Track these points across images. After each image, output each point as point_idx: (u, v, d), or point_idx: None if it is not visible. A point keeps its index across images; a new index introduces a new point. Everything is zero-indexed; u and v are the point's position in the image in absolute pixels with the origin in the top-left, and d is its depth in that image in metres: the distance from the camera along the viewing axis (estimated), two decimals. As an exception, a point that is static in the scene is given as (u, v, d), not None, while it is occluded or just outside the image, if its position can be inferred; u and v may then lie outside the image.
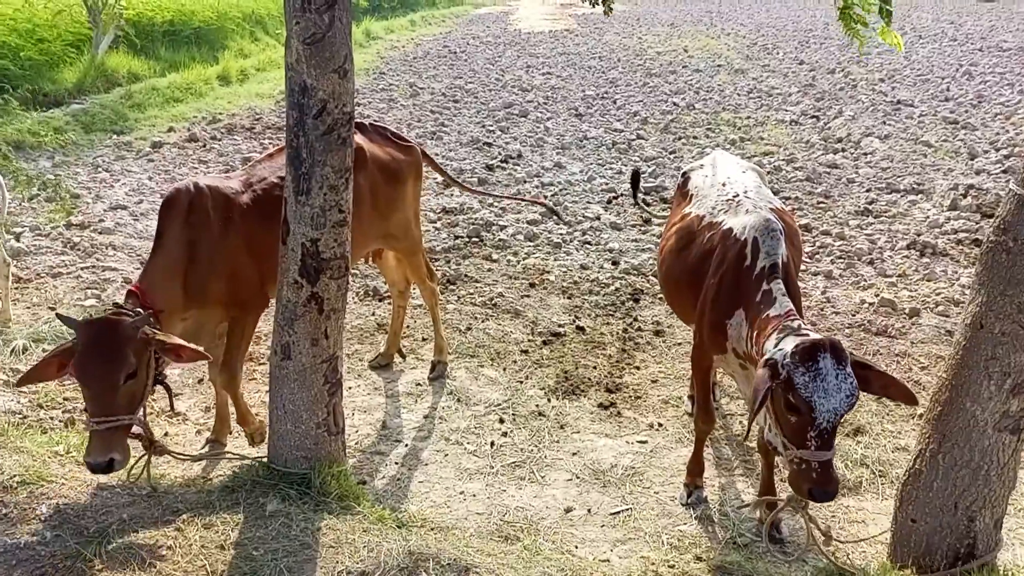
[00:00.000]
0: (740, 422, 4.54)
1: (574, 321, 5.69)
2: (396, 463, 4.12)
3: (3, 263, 5.05)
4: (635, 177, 5.42)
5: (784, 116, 11.75)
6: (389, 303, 5.63)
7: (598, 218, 7.69)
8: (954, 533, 3.00)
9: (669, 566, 3.34)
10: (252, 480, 3.28)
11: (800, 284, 4.62)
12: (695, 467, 3.89)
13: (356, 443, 4.23)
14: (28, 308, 5.45)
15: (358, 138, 4.39)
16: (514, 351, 5.25)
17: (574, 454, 4.21)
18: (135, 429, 3.12)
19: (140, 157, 9.03)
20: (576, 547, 3.51)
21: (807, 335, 2.91)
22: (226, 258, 3.70)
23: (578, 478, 4.02)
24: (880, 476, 4.05)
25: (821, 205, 8.06)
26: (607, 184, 8.69)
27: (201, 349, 3.27)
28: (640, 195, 6.23)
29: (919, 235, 7.13)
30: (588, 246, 7.06)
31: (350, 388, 4.61)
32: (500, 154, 9.71)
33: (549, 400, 4.70)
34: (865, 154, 9.75)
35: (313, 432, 3.38)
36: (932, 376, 4.99)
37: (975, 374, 2.87)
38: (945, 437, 2.98)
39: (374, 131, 4.59)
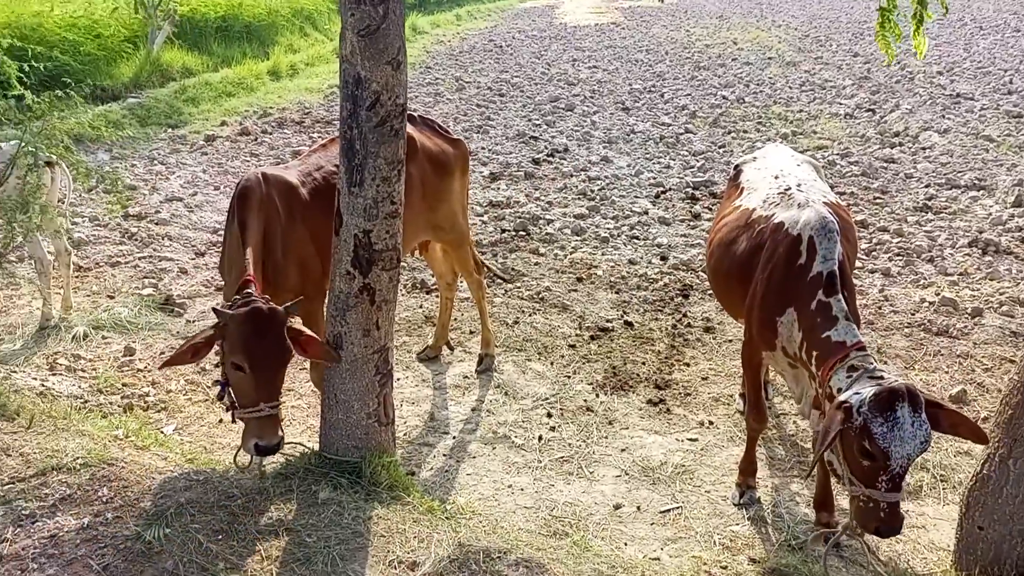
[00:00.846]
0: (794, 421, 4.44)
1: (622, 316, 5.63)
2: (444, 455, 4.12)
3: (65, 252, 5.19)
4: None
5: (838, 109, 11.46)
6: (437, 296, 5.65)
7: (646, 212, 7.60)
8: (1024, 542, 2.88)
9: (722, 567, 3.28)
10: (304, 468, 3.32)
11: (856, 282, 4.50)
12: (747, 466, 3.81)
13: (404, 434, 4.25)
14: (88, 296, 5.60)
15: (409, 129, 4.40)
16: (561, 345, 5.21)
17: (623, 450, 4.16)
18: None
19: (194, 150, 9.22)
20: (625, 544, 3.47)
21: (882, 378, 2.84)
22: (295, 247, 3.72)
23: (627, 474, 3.97)
24: (942, 481, 3.92)
25: (878, 201, 7.84)
26: (655, 178, 8.59)
27: (329, 349, 3.34)
28: None
29: (981, 232, 6.89)
30: (636, 241, 6.99)
31: (398, 380, 4.63)
32: (546, 148, 9.66)
33: (597, 395, 4.66)
34: (923, 148, 9.46)
35: (364, 422, 3.40)
36: (995, 378, 4.81)
37: (1051, 376, 2.75)
38: (1016, 441, 2.87)
39: (423, 123, 4.60)
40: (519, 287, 6.06)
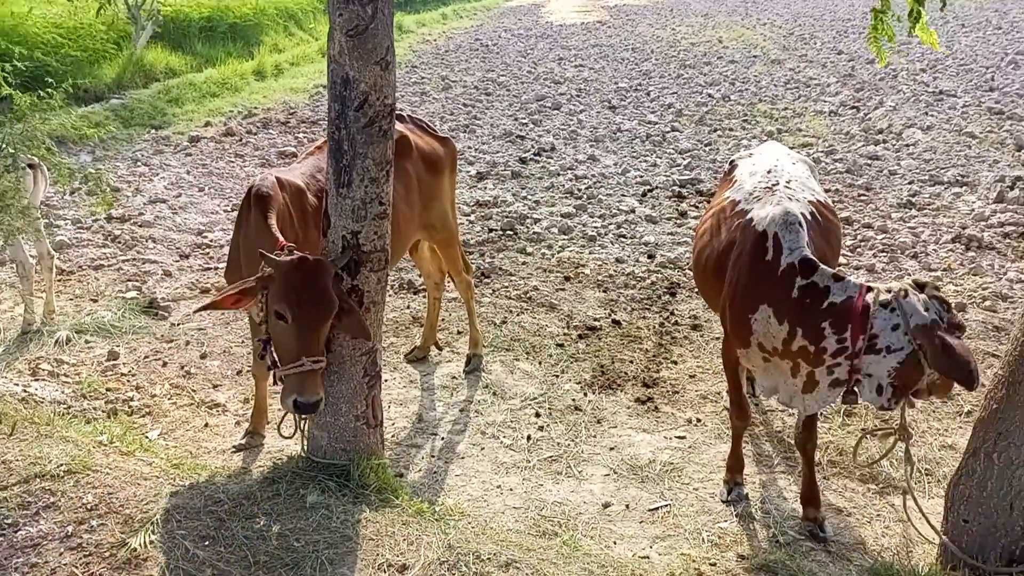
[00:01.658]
0: (780, 418, 4.46)
1: (610, 315, 5.64)
2: (432, 456, 4.11)
3: (47, 255, 5.14)
4: None
5: (823, 107, 11.52)
6: (424, 296, 5.64)
7: (633, 211, 7.61)
8: (1009, 534, 2.91)
9: (711, 564, 3.29)
10: (292, 471, 3.30)
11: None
12: (734, 464, 3.83)
13: (392, 436, 4.23)
14: (71, 300, 5.54)
15: (402, 128, 4.39)
16: (549, 345, 5.22)
17: (611, 449, 4.17)
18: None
19: (178, 151, 9.15)
20: (615, 543, 3.47)
21: (923, 286, 3.09)
22: (307, 250, 3.64)
23: (615, 473, 3.98)
24: (927, 475, 3.96)
25: (862, 198, 7.89)
26: (641, 177, 8.60)
27: (365, 325, 3.25)
28: None
29: (964, 228, 6.95)
30: (623, 239, 7.00)
31: (386, 381, 4.61)
32: (533, 147, 9.66)
33: (585, 394, 4.66)
34: (907, 145, 9.53)
35: (352, 424, 3.38)
36: (980, 373, 4.85)
37: (1034, 371, 2.78)
38: (1001, 435, 2.89)
39: (412, 122, 4.59)
40: (507, 287, 6.06)
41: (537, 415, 4.45)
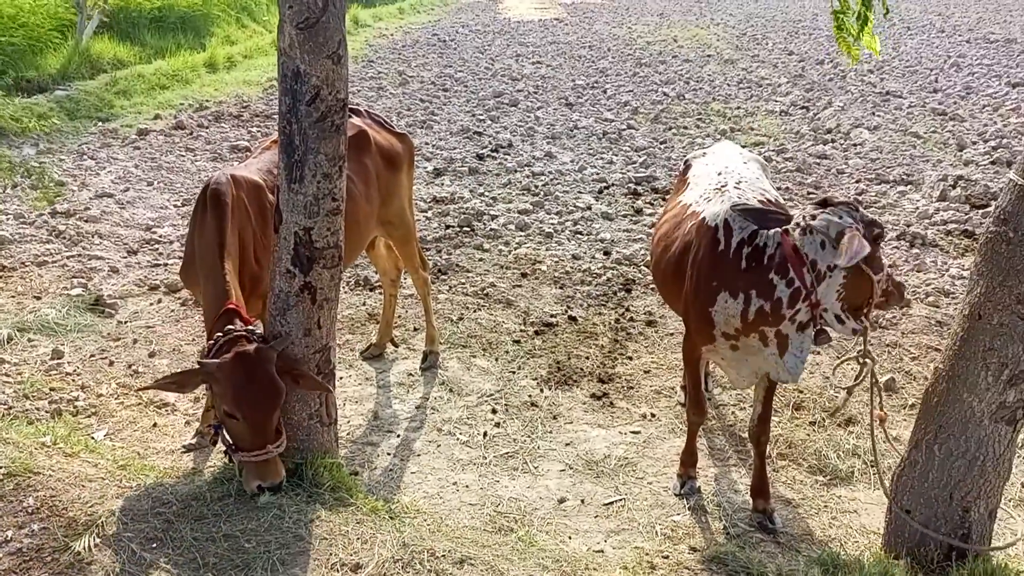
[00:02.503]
0: (733, 412, 4.54)
1: (566, 311, 5.67)
2: (388, 454, 4.09)
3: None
4: None
5: (774, 107, 11.74)
6: (380, 293, 5.59)
7: (589, 208, 7.66)
8: (949, 523, 3.01)
9: (663, 556, 3.34)
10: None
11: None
12: (688, 458, 3.88)
13: (348, 434, 4.19)
14: (12, 297, 5.36)
15: (361, 123, 4.34)
16: (506, 341, 5.22)
17: (567, 444, 4.19)
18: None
19: (126, 144, 8.91)
20: (570, 538, 3.50)
21: (826, 203, 3.18)
22: (269, 252, 3.59)
23: (571, 468, 4.00)
24: (872, 467, 4.06)
25: (811, 196, 8.06)
26: (598, 174, 8.66)
27: (321, 382, 3.24)
28: None
29: (909, 226, 7.15)
30: (580, 236, 7.04)
31: (341, 378, 4.57)
32: (490, 143, 9.65)
33: (542, 390, 4.68)
34: (855, 145, 9.76)
35: (305, 423, 3.34)
36: (923, 366, 5.01)
37: (972, 365, 2.88)
38: (941, 428, 2.99)
39: (370, 117, 4.55)
40: (464, 283, 6.05)
41: (494, 411, 4.45)
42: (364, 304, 5.69)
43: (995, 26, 19.97)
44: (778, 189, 7.97)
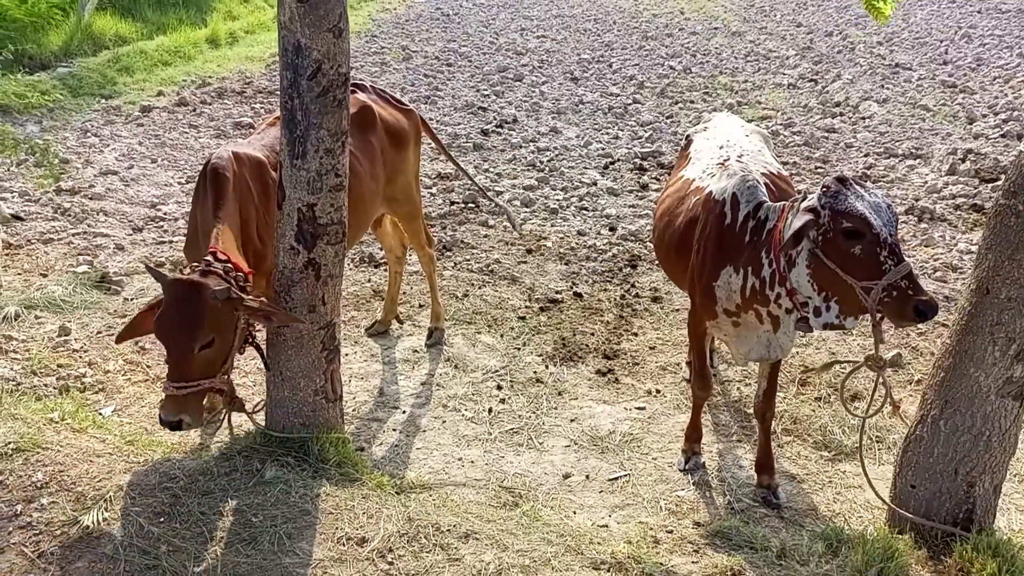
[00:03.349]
0: (738, 388, 4.54)
1: (571, 287, 5.66)
2: (394, 430, 4.11)
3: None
4: None
5: (782, 80, 11.61)
6: (385, 269, 5.58)
7: (595, 183, 7.61)
8: (953, 498, 3.01)
9: (667, 531, 3.35)
10: (250, 447, 3.26)
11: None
12: (693, 433, 3.89)
13: (354, 410, 4.21)
14: (19, 275, 5.37)
15: (366, 98, 4.30)
16: (511, 318, 5.22)
17: (572, 420, 4.20)
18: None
19: (129, 121, 8.87)
20: (574, 513, 3.52)
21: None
22: (272, 229, 3.56)
23: (576, 444, 4.01)
24: (877, 442, 4.07)
25: (819, 170, 7.99)
26: (603, 149, 8.59)
27: (291, 314, 3.18)
28: None
29: (917, 200, 7.09)
30: (585, 212, 7.00)
31: (347, 355, 4.58)
32: (495, 119, 9.58)
33: (547, 367, 4.69)
34: (863, 118, 9.66)
35: (311, 399, 3.35)
36: (929, 342, 4.99)
37: (980, 339, 2.86)
38: (947, 403, 2.98)
39: (375, 92, 4.50)
40: (469, 260, 6.03)
41: (499, 388, 4.46)
42: (369, 281, 5.69)
43: (1008, -3, 19.62)
44: (784, 164, 7.91)
